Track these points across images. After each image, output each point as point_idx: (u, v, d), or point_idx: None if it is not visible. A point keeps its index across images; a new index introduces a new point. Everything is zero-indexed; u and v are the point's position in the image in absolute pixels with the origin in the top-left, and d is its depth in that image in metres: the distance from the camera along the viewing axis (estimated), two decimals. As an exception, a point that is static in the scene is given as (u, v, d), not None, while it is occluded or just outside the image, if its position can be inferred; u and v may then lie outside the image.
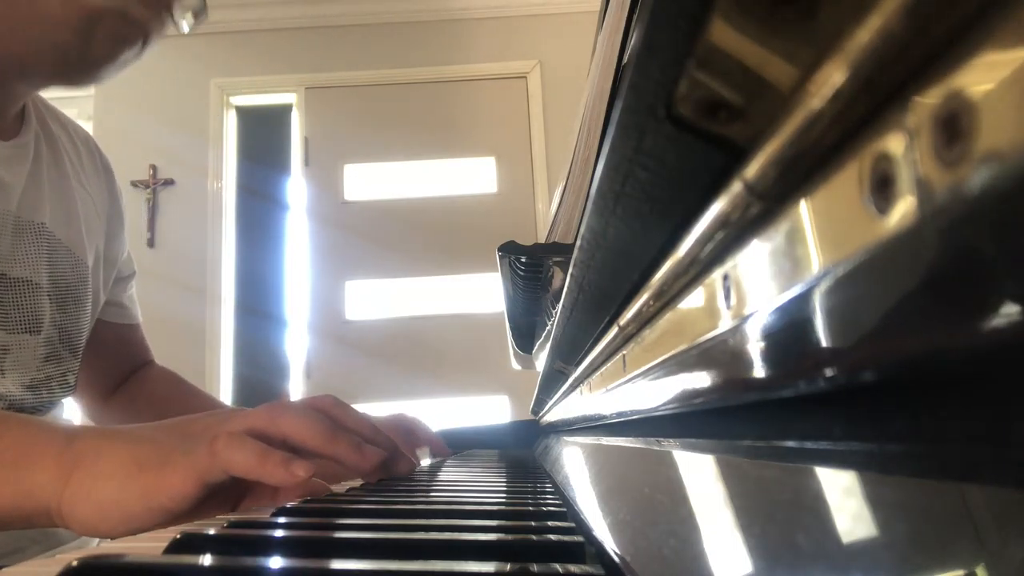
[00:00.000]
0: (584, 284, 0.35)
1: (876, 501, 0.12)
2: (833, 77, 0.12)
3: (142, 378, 0.95)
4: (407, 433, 0.85)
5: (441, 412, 2.89)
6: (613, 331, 0.35)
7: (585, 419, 0.54)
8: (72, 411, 0.90)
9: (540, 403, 1.08)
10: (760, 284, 0.16)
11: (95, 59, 0.65)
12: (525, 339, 0.93)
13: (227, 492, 0.47)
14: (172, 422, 0.51)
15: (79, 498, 0.44)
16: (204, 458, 0.44)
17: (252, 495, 0.49)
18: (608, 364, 0.39)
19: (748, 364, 0.16)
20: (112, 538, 0.45)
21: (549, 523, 0.34)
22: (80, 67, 0.66)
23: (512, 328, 0.92)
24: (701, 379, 0.20)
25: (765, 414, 0.17)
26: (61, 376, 0.76)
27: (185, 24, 0.70)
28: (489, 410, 2.95)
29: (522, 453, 1.14)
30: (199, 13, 0.71)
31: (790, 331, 0.14)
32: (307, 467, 0.44)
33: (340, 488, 0.54)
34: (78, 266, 0.76)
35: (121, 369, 0.93)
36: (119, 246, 0.88)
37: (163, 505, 0.43)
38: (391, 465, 0.56)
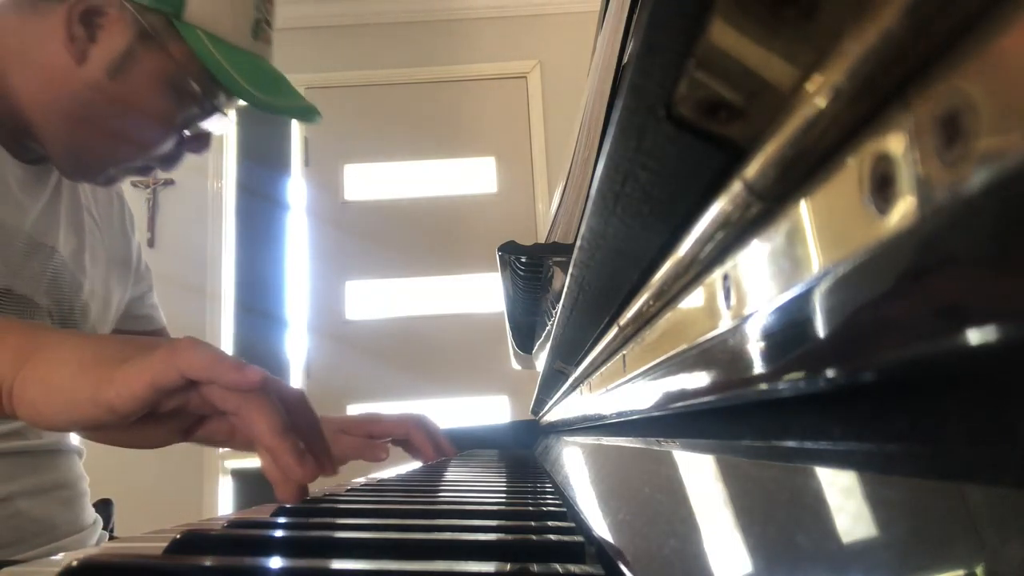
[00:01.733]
0: (584, 284, 0.35)
1: (876, 501, 0.12)
2: (833, 77, 0.12)
3: None
4: (421, 427, 0.86)
5: (441, 412, 2.89)
6: (613, 331, 0.35)
7: (585, 419, 0.54)
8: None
9: (540, 403, 1.08)
10: (760, 284, 0.15)
11: (104, 183, 0.75)
12: (525, 339, 0.93)
13: (177, 419, 0.47)
14: (137, 336, 0.50)
15: (31, 379, 0.44)
16: (161, 359, 0.43)
17: (204, 427, 0.49)
18: (608, 364, 0.39)
19: (748, 364, 0.16)
20: (53, 428, 0.45)
21: (549, 523, 0.34)
22: (85, 180, 0.75)
23: (512, 328, 0.92)
24: (701, 379, 0.20)
25: (765, 414, 0.17)
26: None
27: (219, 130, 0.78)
28: (489, 410, 2.95)
29: (522, 453, 1.14)
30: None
31: (790, 331, 0.14)
32: (260, 372, 0.43)
33: (340, 488, 0.54)
34: (80, 293, 0.79)
35: None
36: (136, 287, 0.90)
37: (109, 401, 0.43)
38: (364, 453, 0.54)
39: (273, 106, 0.74)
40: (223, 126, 0.77)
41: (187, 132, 0.74)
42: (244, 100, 0.72)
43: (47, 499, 0.74)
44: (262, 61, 0.76)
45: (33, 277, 0.72)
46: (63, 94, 0.67)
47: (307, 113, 0.78)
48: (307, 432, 0.47)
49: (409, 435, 0.86)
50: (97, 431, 0.45)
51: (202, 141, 0.76)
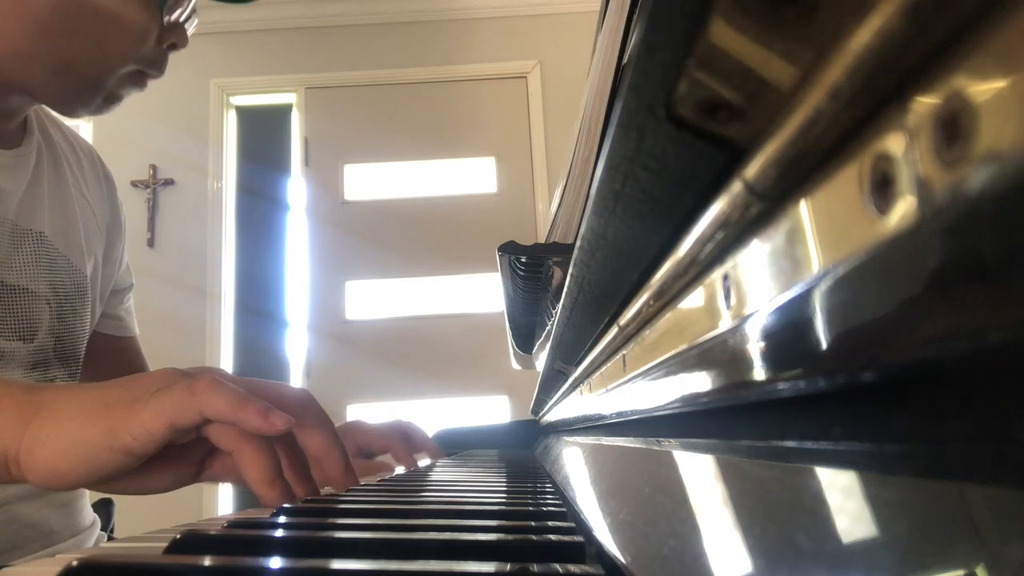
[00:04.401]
0: (584, 284, 0.35)
1: (876, 501, 0.12)
2: (833, 77, 0.12)
3: None
4: (404, 438, 0.86)
5: (441, 412, 2.90)
6: (613, 331, 0.35)
7: (585, 419, 0.54)
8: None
9: (540, 403, 1.08)
10: (760, 284, 0.16)
11: (103, 104, 0.72)
12: (525, 339, 0.93)
13: (189, 455, 0.47)
14: (139, 375, 0.49)
15: (38, 442, 0.42)
16: (181, 397, 0.42)
17: (215, 463, 0.48)
18: (608, 364, 0.39)
19: (748, 364, 0.16)
20: (70, 487, 0.44)
21: (549, 523, 0.34)
22: (87, 110, 0.72)
23: (512, 328, 0.92)
24: (701, 379, 0.20)
25: (765, 414, 0.17)
26: (61, 377, 0.76)
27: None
28: (489, 410, 2.95)
29: (522, 453, 1.14)
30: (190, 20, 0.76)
31: (790, 331, 0.14)
32: (285, 418, 0.43)
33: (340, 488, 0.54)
34: (76, 276, 0.77)
35: None
36: (117, 257, 0.88)
37: (126, 446, 0.42)
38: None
39: None
40: (192, 21, 0.75)
41: (164, 28, 0.72)
42: None
43: (44, 503, 0.73)
44: None
45: (24, 266, 0.71)
46: (33, 7, 0.65)
47: None
48: (328, 464, 0.49)
49: (391, 449, 0.86)
50: (113, 481, 0.44)
51: (180, 35, 0.73)
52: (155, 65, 0.73)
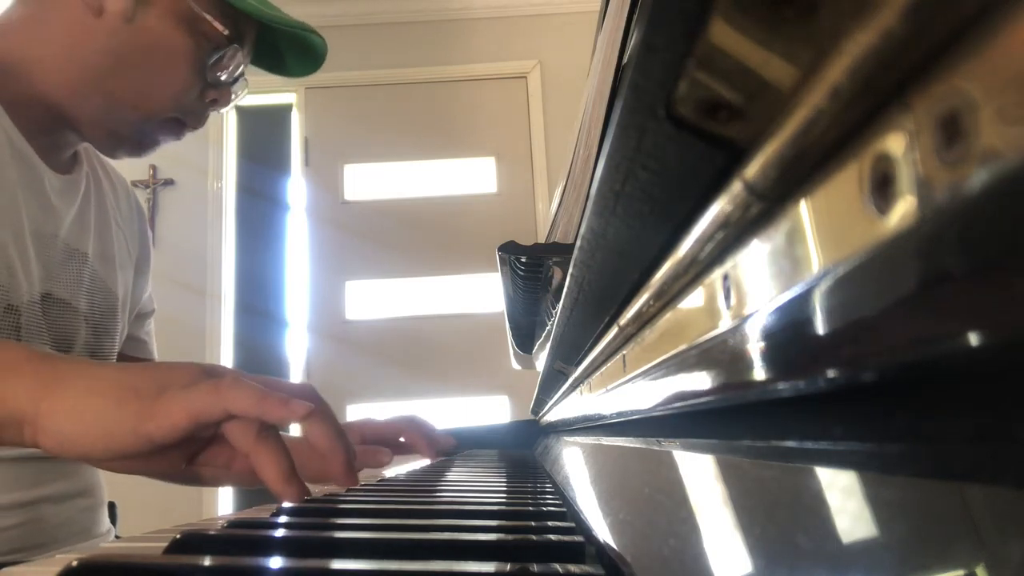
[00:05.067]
0: (584, 284, 0.35)
1: (876, 501, 0.12)
2: (833, 77, 0.12)
3: None
4: (415, 430, 0.88)
5: (441, 412, 2.89)
6: (613, 331, 0.35)
7: (585, 419, 0.54)
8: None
9: (540, 403, 1.08)
10: (760, 284, 0.16)
11: (141, 147, 0.78)
12: (525, 339, 0.93)
13: (186, 445, 0.48)
14: (160, 364, 0.50)
15: (61, 410, 0.44)
16: (207, 394, 0.44)
17: (207, 454, 0.49)
18: (608, 364, 0.39)
19: (748, 364, 0.16)
20: (85, 459, 0.45)
21: (549, 523, 0.34)
22: (125, 151, 0.78)
23: (512, 328, 0.92)
24: (701, 379, 0.20)
25: (765, 414, 0.17)
26: None
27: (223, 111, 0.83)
28: (489, 410, 2.95)
29: (522, 453, 1.14)
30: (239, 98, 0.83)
31: (790, 331, 0.14)
32: (306, 406, 0.45)
33: (340, 488, 0.54)
34: (110, 297, 0.81)
35: None
36: (143, 284, 0.92)
37: (150, 433, 0.43)
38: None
39: (283, 20, 0.77)
40: (241, 86, 0.81)
41: (210, 85, 0.77)
42: (255, 16, 0.75)
43: (70, 506, 0.74)
44: None
45: (70, 282, 0.75)
46: (87, 52, 0.71)
47: (311, 32, 0.81)
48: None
49: (403, 435, 0.87)
50: (118, 461, 0.46)
51: (224, 95, 0.79)
52: (194, 117, 0.78)
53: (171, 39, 0.72)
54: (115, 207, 0.86)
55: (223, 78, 0.77)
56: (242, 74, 0.80)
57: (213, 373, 0.48)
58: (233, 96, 0.81)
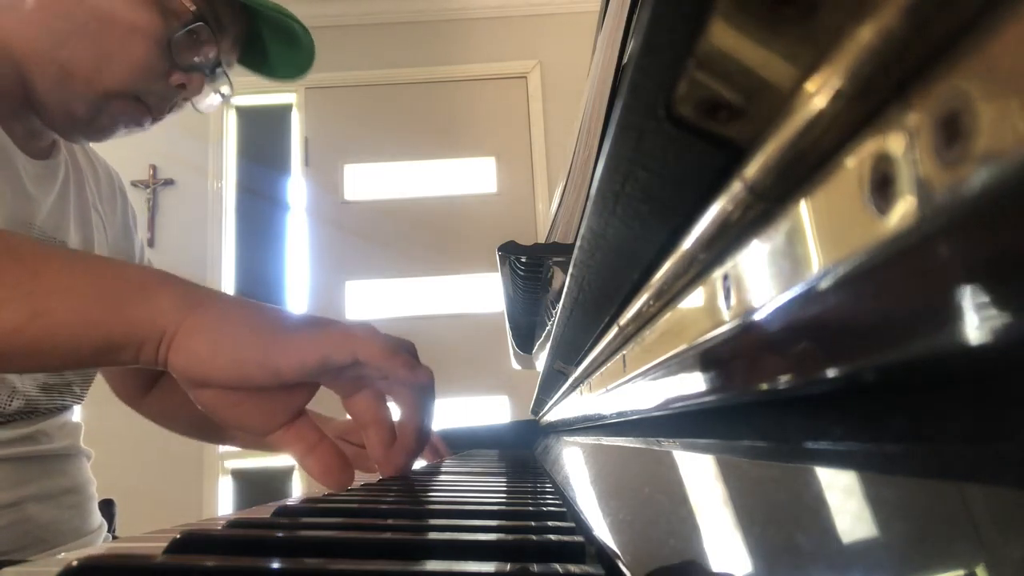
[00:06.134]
0: (584, 284, 0.35)
1: (876, 501, 0.12)
2: (833, 77, 0.12)
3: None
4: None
5: (441, 412, 2.89)
6: (613, 331, 0.35)
7: (585, 419, 0.54)
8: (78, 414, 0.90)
9: (540, 403, 1.08)
10: (760, 284, 0.16)
11: (97, 129, 0.74)
12: (525, 339, 0.93)
13: (290, 403, 0.47)
14: (308, 315, 0.50)
15: (199, 331, 0.44)
16: (339, 337, 0.45)
17: (293, 429, 0.49)
18: (608, 364, 0.39)
19: (748, 364, 0.16)
20: (208, 382, 0.45)
21: (549, 523, 0.34)
22: (82, 133, 0.74)
23: (512, 328, 0.92)
24: (701, 379, 0.20)
25: (765, 414, 0.17)
26: (77, 383, 0.79)
27: (204, 109, 0.80)
28: (489, 410, 2.95)
29: (522, 453, 1.14)
30: (226, 98, 0.80)
31: (790, 331, 0.14)
32: (429, 372, 0.48)
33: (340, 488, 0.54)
34: None
35: (147, 374, 0.95)
36: (130, 253, 0.91)
37: (278, 367, 0.44)
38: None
39: (260, 2, 0.74)
40: (221, 80, 0.77)
41: (176, 66, 0.73)
42: None
43: (56, 504, 0.74)
44: None
45: None
46: (48, 13, 0.68)
47: (292, 20, 0.78)
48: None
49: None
50: (234, 394, 0.46)
51: (193, 81, 0.75)
52: (158, 101, 0.74)
53: (132, 10, 0.69)
54: (95, 192, 0.84)
55: (194, 60, 0.73)
56: (218, 63, 0.76)
57: (359, 328, 0.48)
58: (207, 86, 0.77)
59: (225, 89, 0.79)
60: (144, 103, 0.73)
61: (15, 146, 0.71)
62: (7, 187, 0.69)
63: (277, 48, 0.81)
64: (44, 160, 0.75)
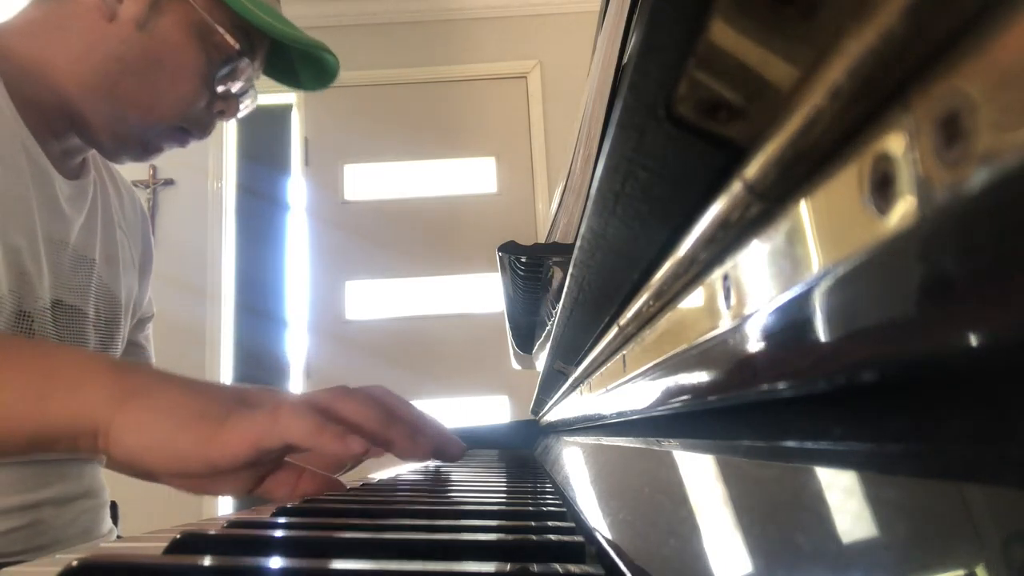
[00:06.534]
0: (584, 284, 0.35)
1: (876, 501, 0.12)
2: (833, 77, 0.12)
3: None
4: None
5: (441, 412, 2.89)
6: (613, 331, 0.35)
7: (585, 419, 0.54)
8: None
9: (540, 403, 1.08)
10: (760, 284, 0.15)
11: (144, 152, 0.78)
12: (525, 339, 0.93)
13: (255, 469, 0.48)
14: (226, 386, 0.52)
15: (131, 427, 0.45)
16: (265, 423, 0.45)
17: (273, 479, 0.50)
18: (608, 364, 0.39)
19: (748, 364, 0.16)
20: (150, 477, 0.46)
21: (549, 523, 0.34)
22: (129, 155, 0.79)
23: (512, 328, 0.92)
24: (701, 379, 0.20)
25: (765, 414, 0.17)
26: None
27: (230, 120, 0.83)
28: (489, 410, 2.95)
29: (522, 453, 1.14)
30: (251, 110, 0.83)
31: (790, 331, 0.14)
32: (361, 443, 0.45)
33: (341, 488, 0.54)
34: (114, 303, 0.81)
35: None
36: (145, 288, 0.93)
37: (212, 459, 0.44)
38: (442, 450, 0.55)
39: (296, 38, 0.77)
40: (250, 97, 0.81)
41: (218, 96, 0.77)
42: (269, 32, 0.75)
43: (71, 508, 0.74)
44: (277, 5, 0.81)
45: (80, 289, 0.75)
46: (99, 56, 0.71)
47: (323, 49, 0.81)
48: (405, 416, 0.53)
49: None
50: (183, 479, 0.48)
51: (231, 106, 0.79)
52: (200, 126, 0.79)
53: (182, 49, 0.73)
54: (119, 212, 0.87)
55: (232, 90, 0.78)
56: (252, 86, 0.80)
57: (288, 397, 0.49)
58: (241, 107, 0.81)
59: (253, 103, 0.83)
60: (187, 129, 0.78)
61: (53, 168, 0.73)
62: (47, 207, 0.71)
63: (304, 66, 0.84)
64: (76, 180, 0.77)
